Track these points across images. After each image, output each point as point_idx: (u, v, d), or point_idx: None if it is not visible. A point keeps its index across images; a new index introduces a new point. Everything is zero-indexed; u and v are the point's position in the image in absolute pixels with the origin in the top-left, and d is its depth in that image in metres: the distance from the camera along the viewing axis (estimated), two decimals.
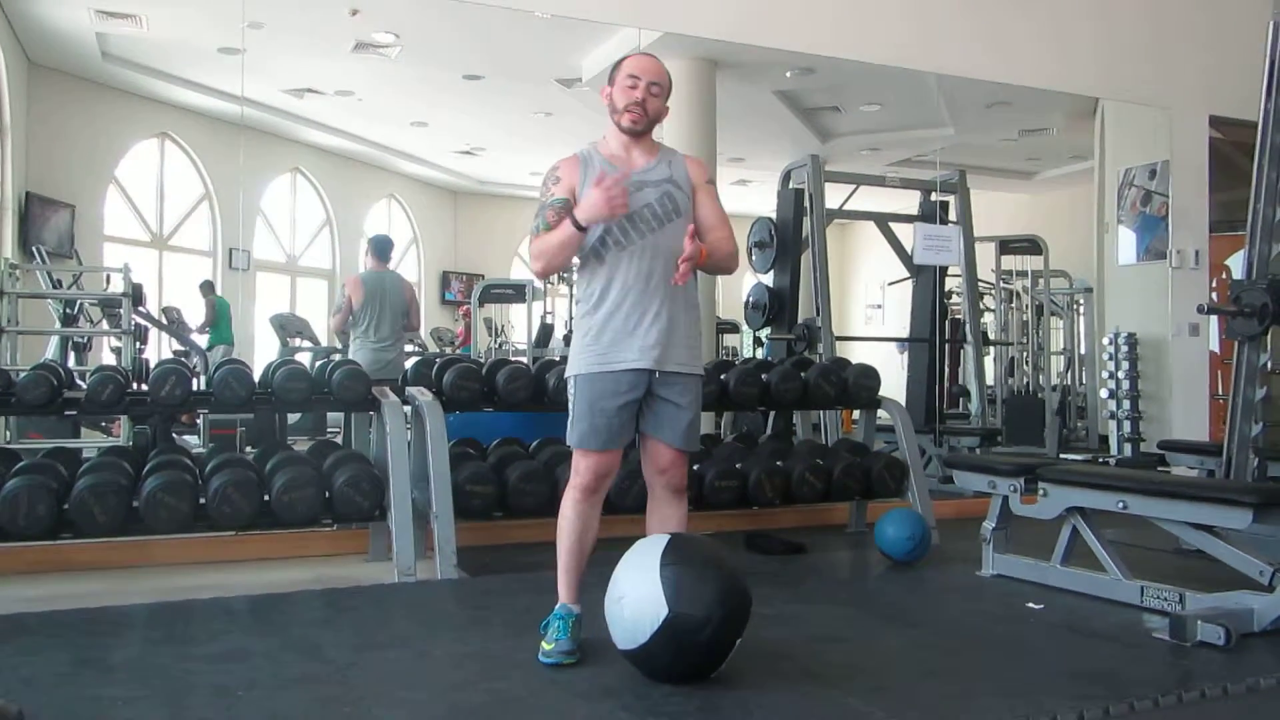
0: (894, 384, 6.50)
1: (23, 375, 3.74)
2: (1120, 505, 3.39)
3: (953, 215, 6.83)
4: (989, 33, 6.29)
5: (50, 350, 5.93)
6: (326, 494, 3.69)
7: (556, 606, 2.70)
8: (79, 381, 4.66)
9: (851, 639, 2.99)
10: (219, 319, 6.69)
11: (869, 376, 4.84)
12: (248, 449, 5.08)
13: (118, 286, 5.76)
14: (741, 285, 7.99)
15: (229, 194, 6.91)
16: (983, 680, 2.59)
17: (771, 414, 5.74)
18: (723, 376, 4.54)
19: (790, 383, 4.64)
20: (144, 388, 4.04)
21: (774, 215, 6.61)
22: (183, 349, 6.45)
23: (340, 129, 8.18)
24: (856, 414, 5.24)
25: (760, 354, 7.42)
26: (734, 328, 9.04)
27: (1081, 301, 8.62)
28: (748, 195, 9.13)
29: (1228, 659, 2.77)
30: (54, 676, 2.52)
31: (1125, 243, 7.18)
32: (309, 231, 8.30)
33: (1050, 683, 2.55)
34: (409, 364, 4.74)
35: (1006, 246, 8.32)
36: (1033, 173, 9.48)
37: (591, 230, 2.61)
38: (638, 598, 2.38)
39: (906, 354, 7.37)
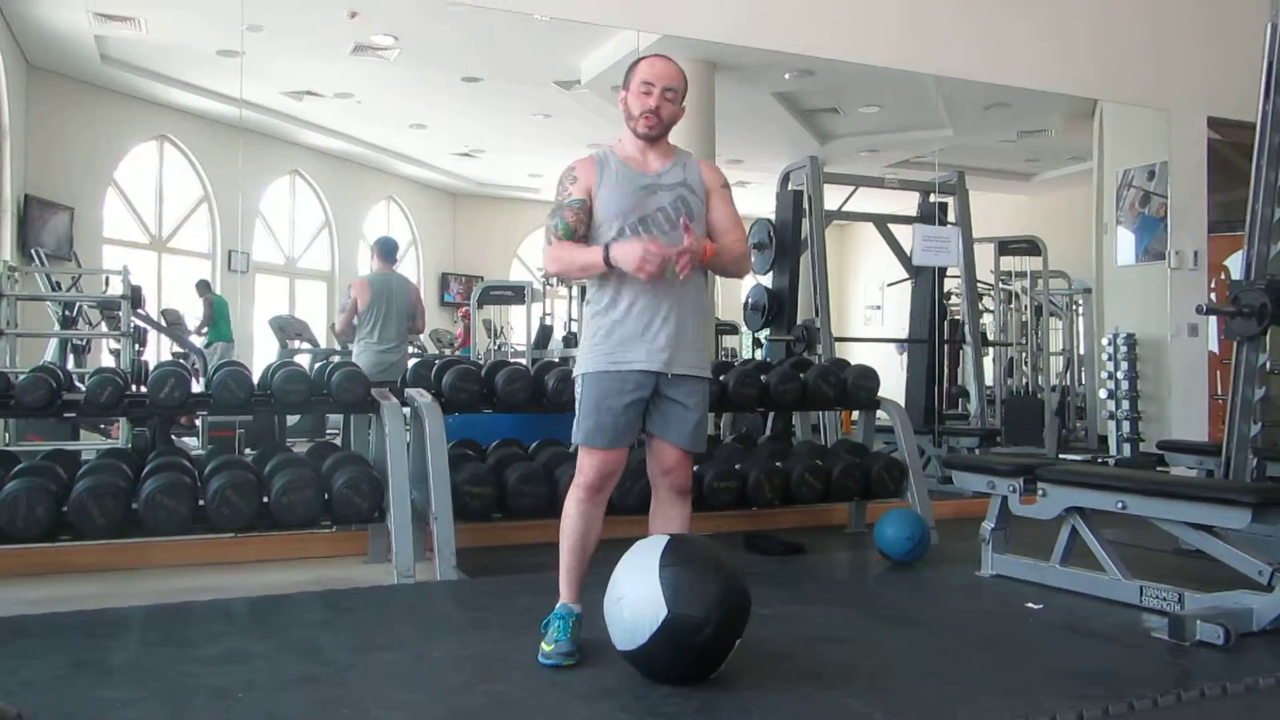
0: (893, 385, 6.50)
1: (22, 377, 3.73)
2: (1119, 505, 3.39)
3: (951, 216, 6.84)
4: (988, 34, 6.29)
5: (49, 352, 5.93)
6: (325, 496, 3.69)
7: (557, 605, 2.71)
8: (78, 384, 4.66)
9: (851, 639, 2.99)
10: (217, 318, 6.69)
11: (868, 377, 4.84)
12: (247, 451, 5.08)
13: (117, 289, 5.76)
14: (741, 286, 7.99)
15: (228, 196, 6.90)
16: (982, 680, 2.59)
17: (771, 415, 5.74)
18: (722, 377, 4.54)
19: (789, 384, 4.64)
20: (143, 390, 4.04)
21: (773, 217, 6.61)
22: (182, 351, 6.45)
23: (339, 131, 8.18)
24: (855, 415, 5.23)
25: (759, 355, 7.42)
26: (733, 329, 9.05)
27: (1080, 302, 8.62)
28: (747, 197, 9.12)
29: (1227, 658, 2.78)
30: (53, 679, 2.52)
31: (1124, 243, 7.19)
32: (308, 233, 8.30)
33: (1049, 682, 2.55)
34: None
35: (1005, 247, 8.32)
36: (1031, 174, 9.49)
37: (606, 231, 2.63)
38: (637, 598, 2.38)
39: (905, 355, 7.37)
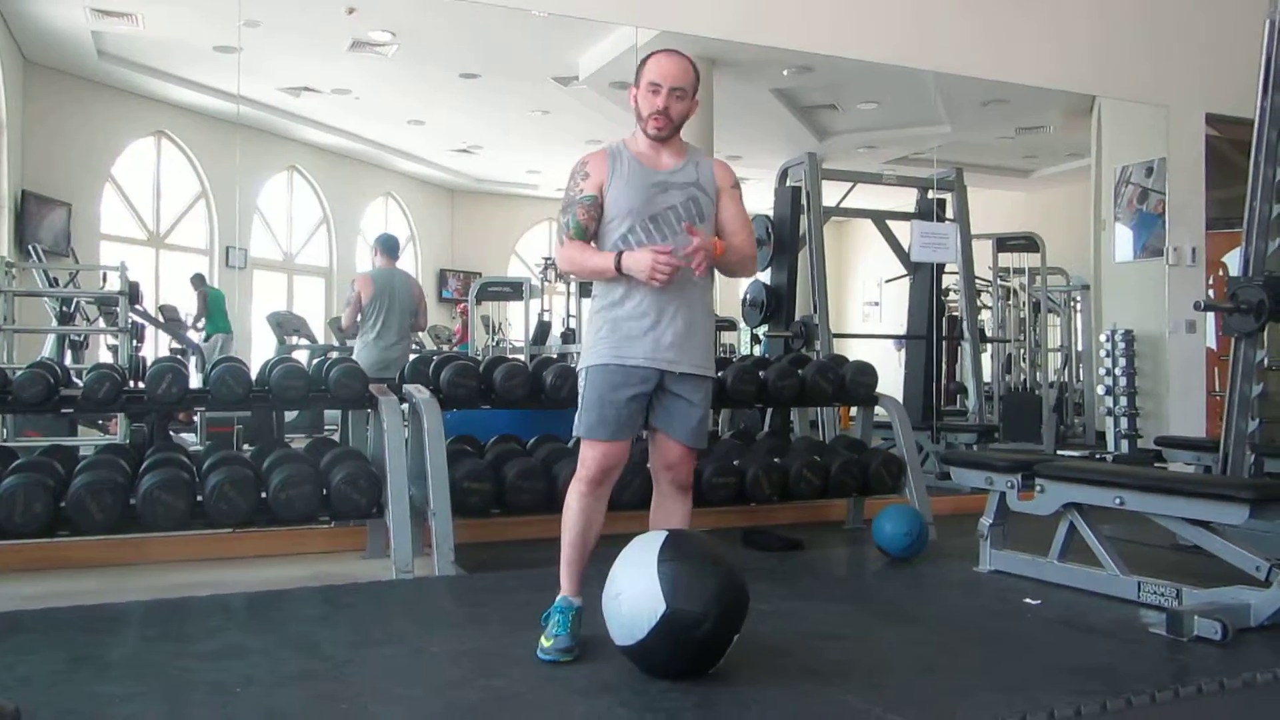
0: (891, 381, 6.51)
1: (19, 373, 3.73)
2: (1117, 501, 3.40)
3: (950, 213, 6.84)
4: (986, 31, 6.29)
5: (47, 348, 5.92)
6: (324, 491, 3.68)
7: (558, 598, 2.71)
8: (75, 379, 4.65)
9: (849, 635, 3.00)
10: (213, 310, 6.67)
11: (866, 373, 4.84)
12: (245, 446, 5.08)
13: (114, 285, 5.75)
14: (739, 283, 7.98)
15: (225, 192, 6.88)
16: (980, 676, 2.60)
17: (769, 411, 5.75)
18: (720, 373, 4.54)
19: (788, 380, 4.64)
20: (141, 385, 4.03)
21: (771, 213, 6.61)
22: (180, 347, 6.44)
23: (337, 127, 8.16)
24: (854, 411, 5.23)
25: (758, 351, 7.42)
26: (731, 325, 9.04)
27: (1078, 298, 8.63)
28: (745, 193, 9.10)
29: (1224, 654, 2.78)
30: (51, 674, 2.52)
31: (1122, 240, 7.19)
32: (306, 230, 8.28)
33: (1047, 678, 2.55)
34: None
35: (1003, 244, 8.33)
36: (1030, 170, 9.48)
37: (616, 229, 2.64)
38: (635, 594, 2.38)
39: (904, 351, 7.38)
